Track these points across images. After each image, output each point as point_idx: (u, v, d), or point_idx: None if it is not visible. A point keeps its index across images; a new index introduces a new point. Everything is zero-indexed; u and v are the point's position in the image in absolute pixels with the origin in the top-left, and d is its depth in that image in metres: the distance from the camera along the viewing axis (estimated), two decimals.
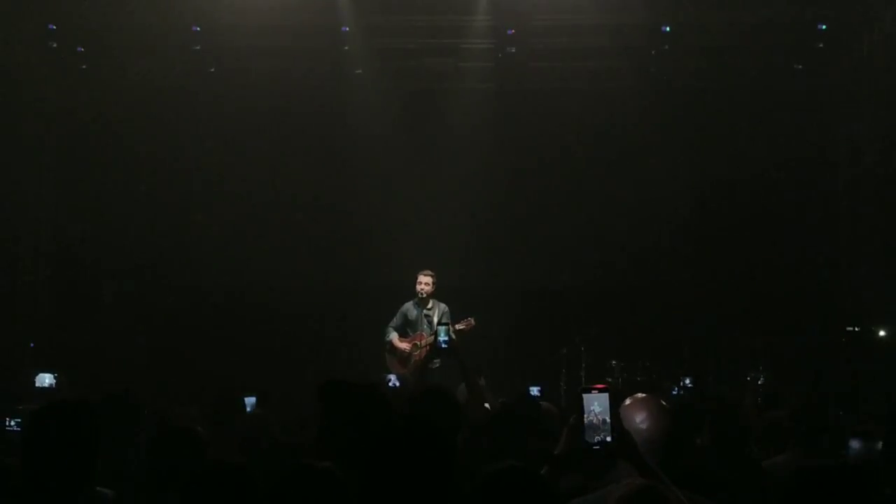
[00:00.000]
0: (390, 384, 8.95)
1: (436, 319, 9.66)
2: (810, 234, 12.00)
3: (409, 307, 10.01)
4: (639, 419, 3.10)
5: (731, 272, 11.88)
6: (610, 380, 10.43)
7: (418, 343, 9.76)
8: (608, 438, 2.88)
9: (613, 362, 10.65)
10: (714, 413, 5.00)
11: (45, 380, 8.26)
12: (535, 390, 7.59)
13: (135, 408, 4.52)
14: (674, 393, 9.67)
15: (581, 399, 2.92)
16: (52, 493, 3.06)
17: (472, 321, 9.54)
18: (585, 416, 2.90)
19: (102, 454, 3.55)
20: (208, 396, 6.17)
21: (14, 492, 3.12)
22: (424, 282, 9.87)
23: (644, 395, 3.26)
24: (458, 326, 9.51)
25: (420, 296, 9.89)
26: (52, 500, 3.06)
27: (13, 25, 11.17)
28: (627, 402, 3.17)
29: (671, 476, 2.95)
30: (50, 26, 11.55)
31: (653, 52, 11.67)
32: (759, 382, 9.50)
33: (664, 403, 3.21)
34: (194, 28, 11.49)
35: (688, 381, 9.78)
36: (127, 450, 4.26)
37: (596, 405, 2.90)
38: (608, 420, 2.89)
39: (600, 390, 2.92)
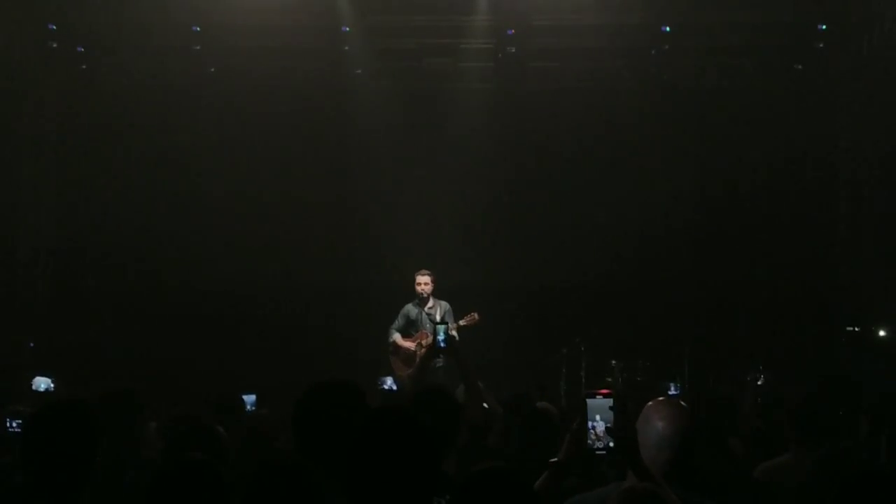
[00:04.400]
0: (386, 387, 8.97)
1: (438, 318, 9.66)
2: (810, 233, 11.99)
3: (410, 308, 10.02)
4: (657, 420, 3.10)
5: (731, 272, 11.87)
6: (610, 379, 10.42)
7: (422, 342, 9.76)
8: (611, 444, 2.87)
9: (613, 362, 10.64)
10: (707, 412, 5.00)
11: (42, 384, 8.22)
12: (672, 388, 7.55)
13: (136, 405, 4.52)
14: (671, 393, 9.66)
15: (585, 404, 2.91)
16: (53, 494, 3.06)
17: (476, 316, 9.57)
18: (589, 421, 2.90)
19: (102, 453, 3.54)
20: (209, 395, 6.18)
21: (15, 491, 3.13)
22: (424, 282, 9.88)
23: (664, 398, 3.28)
24: (461, 322, 9.56)
25: (421, 296, 9.90)
26: (52, 500, 3.07)
27: (13, 25, 11.17)
28: (650, 403, 3.19)
29: (682, 478, 2.95)
30: (50, 26, 11.55)
31: (653, 52, 11.67)
32: (759, 382, 9.49)
33: (684, 406, 3.22)
34: (194, 28, 11.50)
35: (675, 389, 9.82)
36: (127, 448, 4.26)
37: (600, 410, 2.90)
38: (612, 426, 2.88)
39: (605, 395, 2.92)
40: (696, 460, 4.25)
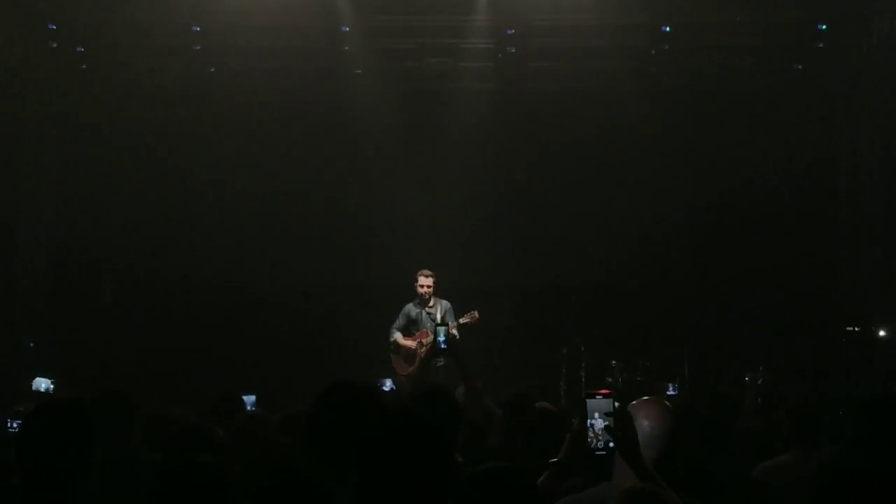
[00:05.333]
0: (386, 388, 8.97)
1: (439, 316, 9.66)
2: (810, 234, 12.00)
3: (411, 307, 10.02)
4: (642, 419, 3.10)
5: (730, 272, 11.87)
6: (610, 379, 10.42)
7: (423, 341, 9.76)
8: (611, 444, 2.88)
9: (613, 362, 10.64)
10: (706, 412, 5.00)
11: (42, 384, 8.19)
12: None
13: (130, 406, 4.53)
14: (670, 393, 9.66)
15: (585, 405, 2.92)
16: (49, 493, 3.06)
17: (476, 314, 9.57)
18: (589, 421, 2.90)
19: (98, 453, 3.54)
20: (209, 395, 6.17)
21: (11, 491, 3.13)
22: (426, 283, 9.86)
23: (649, 397, 3.27)
24: (462, 320, 9.55)
25: (422, 297, 9.89)
26: (48, 500, 3.07)
27: (13, 25, 11.17)
28: (633, 403, 3.18)
29: (667, 477, 2.95)
30: (50, 26, 11.54)
31: (653, 52, 11.67)
32: (759, 383, 9.49)
33: (668, 405, 3.22)
34: (194, 28, 11.49)
35: (675, 389, 9.82)
36: (122, 448, 4.26)
37: (600, 410, 2.90)
38: (612, 425, 2.88)
39: (605, 395, 2.92)
40: (696, 460, 4.26)
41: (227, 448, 4.14)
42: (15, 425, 5.69)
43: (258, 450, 4.18)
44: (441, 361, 8.65)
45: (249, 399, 6.75)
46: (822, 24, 11.36)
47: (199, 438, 3.97)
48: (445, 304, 9.91)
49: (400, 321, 10.03)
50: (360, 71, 11.98)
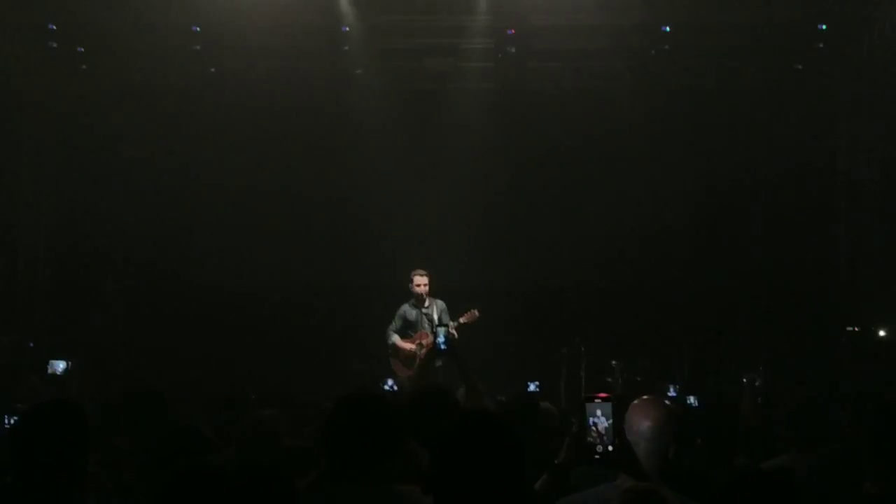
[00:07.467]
0: (386, 388, 8.96)
1: (436, 317, 9.62)
2: (810, 234, 12.00)
3: (407, 308, 9.96)
4: (643, 420, 3.09)
5: (730, 272, 11.88)
6: (610, 379, 10.43)
7: (422, 342, 9.72)
8: (610, 448, 2.88)
9: (613, 362, 10.64)
10: (708, 414, 5.00)
11: (59, 366, 8.23)
12: (532, 386, 7.58)
13: (161, 407, 4.54)
14: (670, 394, 9.67)
15: (584, 408, 2.92)
16: (42, 493, 3.06)
17: (476, 312, 9.49)
18: (588, 425, 2.90)
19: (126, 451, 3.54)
20: (210, 395, 6.18)
21: (6, 490, 3.13)
22: (423, 283, 9.81)
23: (650, 397, 3.25)
24: (461, 320, 9.48)
25: (419, 297, 9.85)
26: (42, 500, 3.07)
27: (13, 25, 11.17)
28: (634, 402, 3.17)
29: (667, 479, 2.95)
30: (50, 26, 11.55)
31: (653, 52, 11.67)
32: (757, 384, 9.50)
33: (669, 405, 3.21)
34: (194, 28, 11.49)
35: (675, 389, 9.83)
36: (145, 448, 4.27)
37: (599, 414, 2.90)
38: (610, 429, 2.88)
39: (603, 399, 2.92)
40: (696, 461, 4.26)
41: (218, 450, 4.14)
42: (12, 422, 5.68)
43: (266, 449, 4.19)
44: (440, 363, 8.63)
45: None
46: (822, 24, 11.35)
47: (190, 439, 3.97)
48: (440, 303, 9.85)
49: (396, 323, 9.98)
50: (360, 71, 11.99)
